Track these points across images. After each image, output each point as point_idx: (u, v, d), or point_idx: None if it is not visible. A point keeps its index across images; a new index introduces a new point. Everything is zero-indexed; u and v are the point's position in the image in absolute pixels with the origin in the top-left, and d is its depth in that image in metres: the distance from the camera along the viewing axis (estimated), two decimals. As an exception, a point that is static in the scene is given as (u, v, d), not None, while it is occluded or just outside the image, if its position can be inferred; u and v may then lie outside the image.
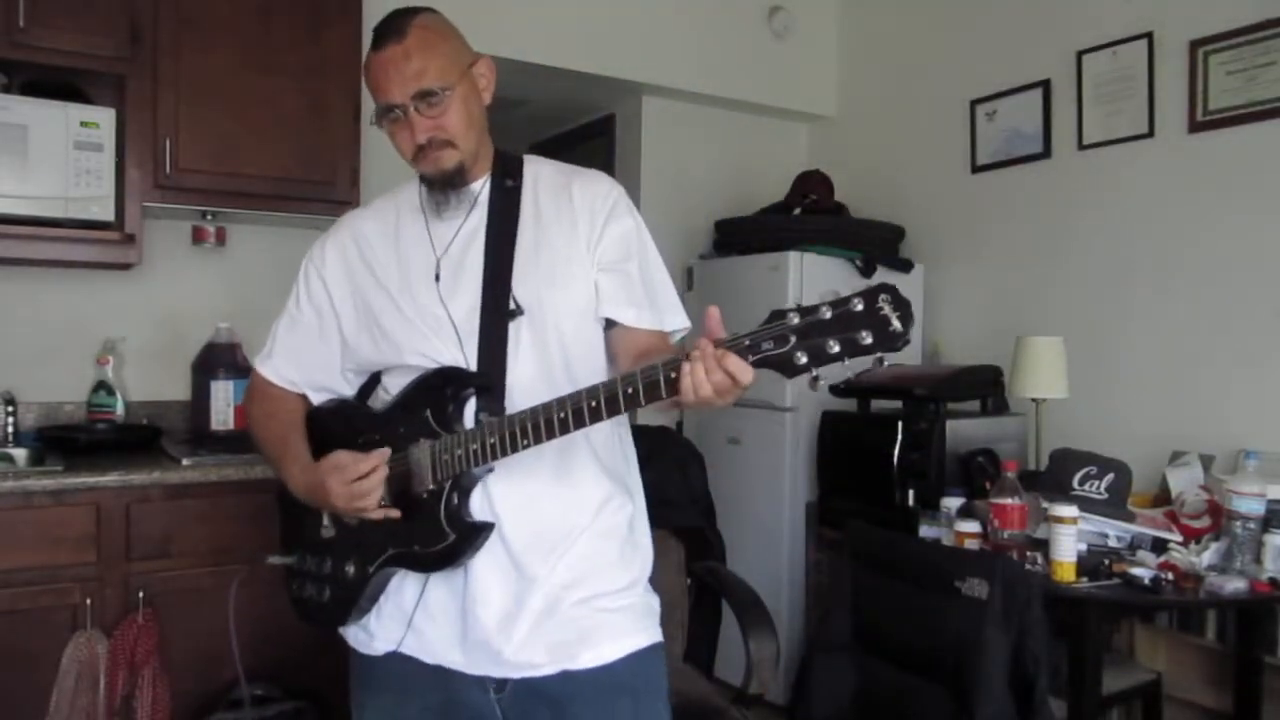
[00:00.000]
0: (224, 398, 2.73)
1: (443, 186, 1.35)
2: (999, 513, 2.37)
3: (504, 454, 1.21)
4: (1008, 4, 3.45)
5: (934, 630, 2.18)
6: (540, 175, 1.41)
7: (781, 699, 3.05)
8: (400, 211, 1.43)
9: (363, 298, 1.40)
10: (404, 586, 1.36)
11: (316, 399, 1.48)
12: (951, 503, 2.58)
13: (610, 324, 1.36)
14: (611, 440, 1.40)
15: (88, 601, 2.21)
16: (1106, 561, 2.25)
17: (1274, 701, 2.49)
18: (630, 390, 1.08)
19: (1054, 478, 2.51)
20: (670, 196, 3.85)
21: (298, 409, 1.47)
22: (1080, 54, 3.16)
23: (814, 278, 3.38)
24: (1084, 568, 2.22)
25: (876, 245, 3.59)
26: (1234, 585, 2.14)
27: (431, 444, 1.27)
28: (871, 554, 2.40)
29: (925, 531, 2.62)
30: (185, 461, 2.36)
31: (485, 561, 1.30)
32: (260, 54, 2.67)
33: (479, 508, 1.29)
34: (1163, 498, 2.68)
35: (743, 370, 1.02)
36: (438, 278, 1.34)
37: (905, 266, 3.62)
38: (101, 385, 2.73)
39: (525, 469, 1.29)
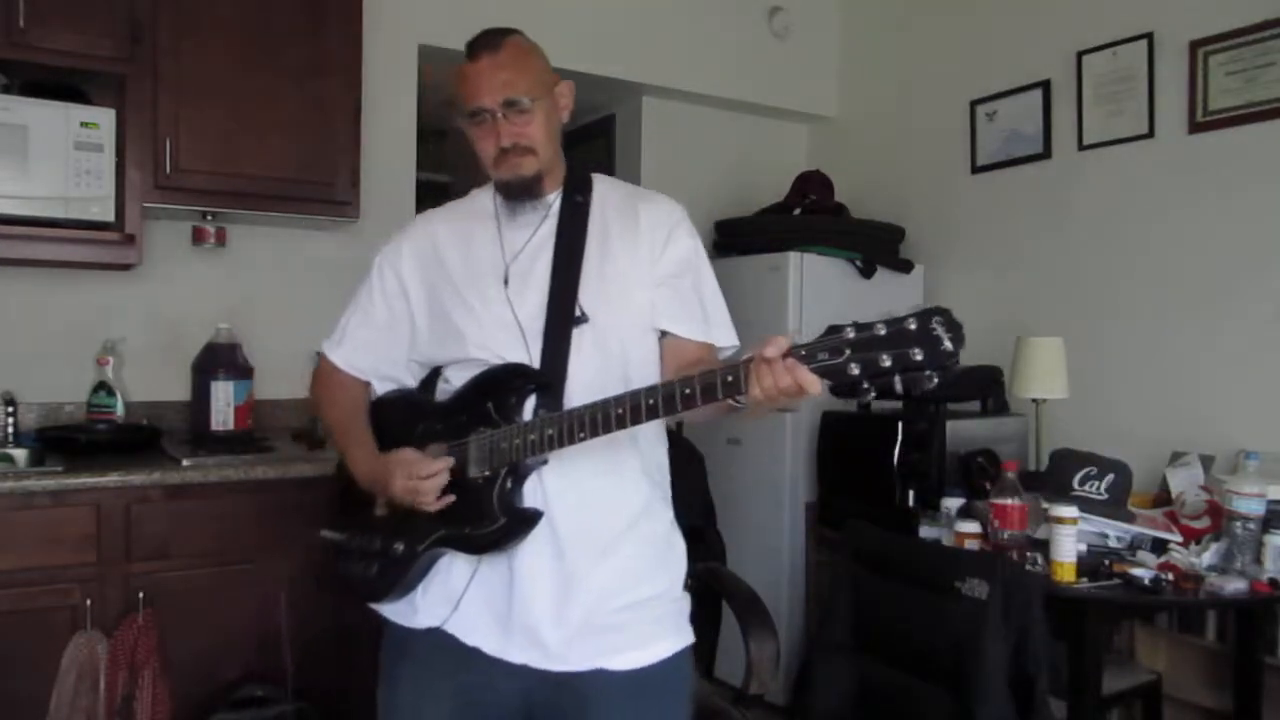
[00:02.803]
0: (224, 398, 2.73)
1: (520, 194, 1.43)
2: (999, 513, 2.37)
3: (561, 445, 1.27)
4: (1008, 4, 3.45)
5: (934, 630, 2.18)
6: (608, 194, 1.51)
7: (782, 699, 3.05)
8: (472, 216, 1.51)
9: (435, 294, 1.48)
10: (453, 567, 1.42)
11: (381, 388, 1.57)
12: (951, 503, 2.58)
13: (663, 335, 1.45)
14: (656, 451, 1.49)
15: (88, 602, 2.21)
16: (1107, 562, 2.25)
17: (1274, 702, 2.49)
18: (687, 391, 1.15)
19: (1054, 478, 2.51)
20: (670, 197, 3.84)
21: (362, 395, 1.57)
22: (1080, 54, 3.16)
23: (814, 278, 3.38)
24: (1084, 568, 2.22)
25: (876, 245, 3.59)
26: (1234, 586, 2.14)
27: (491, 433, 1.35)
28: (871, 554, 2.40)
29: (925, 532, 2.62)
30: (185, 462, 2.36)
31: (533, 551, 1.36)
32: (260, 54, 2.67)
33: (531, 497, 1.36)
34: (1163, 498, 2.68)
35: (811, 382, 1.07)
36: (506, 281, 1.43)
37: (905, 267, 3.62)
38: (101, 385, 2.73)
39: (576, 466, 1.36)
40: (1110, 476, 2.43)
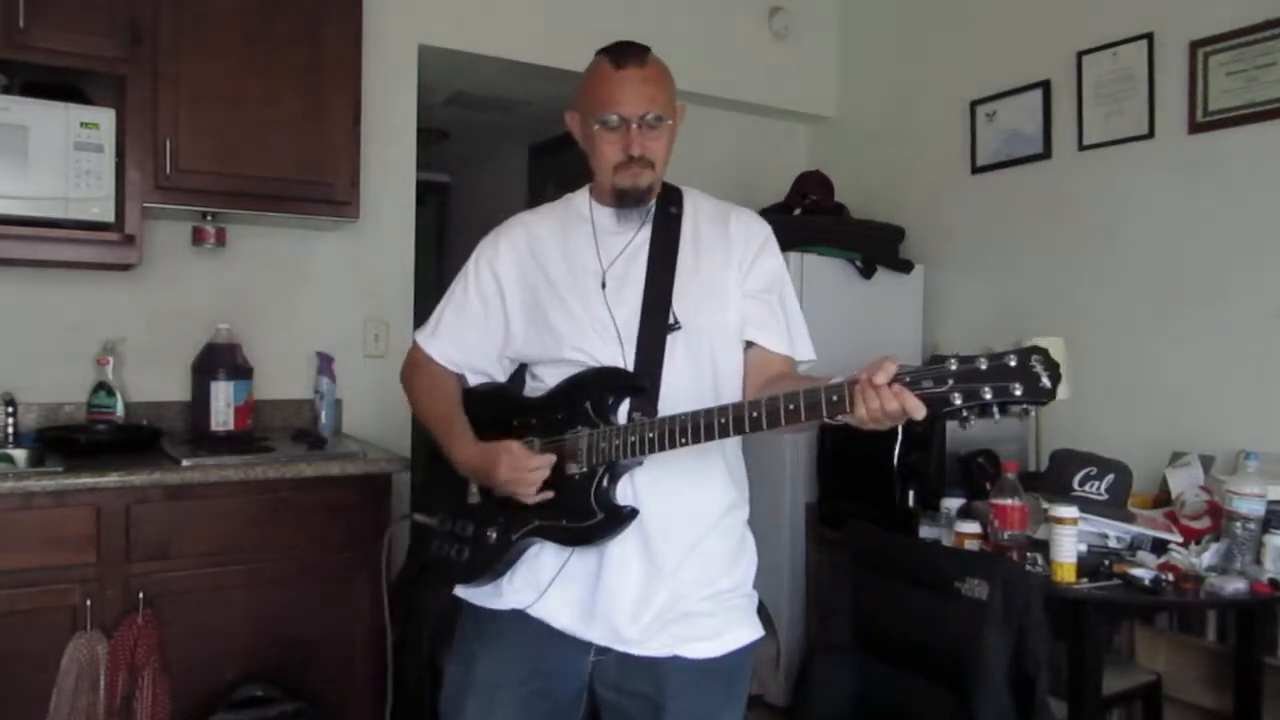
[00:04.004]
0: (224, 398, 2.73)
1: (631, 203, 1.50)
2: (999, 513, 2.37)
3: (660, 449, 1.33)
4: (1008, 4, 3.45)
5: (934, 631, 2.18)
6: (699, 207, 1.57)
7: (782, 700, 3.05)
8: (568, 219, 1.57)
9: (532, 292, 1.53)
10: (542, 555, 1.48)
11: (473, 380, 1.62)
12: (951, 503, 2.58)
13: (748, 346, 1.52)
14: (739, 454, 1.57)
15: (88, 602, 2.21)
16: (1107, 562, 2.25)
17: (1274, 702, 2.49)
18: (791, 407, 1.21)
19: (1054, 478, 2.51)
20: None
21: (456, 387, 1.61)
22: (1080, 54, 3.16)
23: (814, 278, 3.38)
24: (1084, 568, 2.22)
25: (876, 246, 3.59)
26: (1234, 586, 2.14)
27: (590, 432, 1.41)
28: (871, 554, 2.40)
29: (925, 532, 2.62)
30: (185, 462, 2.35)
31: (622, 544, 1.42)
32: (260, 55, 2.67)
33: (623, 494, 1.42)
34: (1163, 498, 2.68)
35: (916, 407, 1.14)
36: (604, 285, 1.48)
37: (905, 267, 3.62)
38: (101, 386, 2.73)
39: (667, 468, 1.43)
40: (1110, 477, 2.43)
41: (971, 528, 2.41)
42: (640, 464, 1.41)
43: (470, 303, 1.60)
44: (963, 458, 2.87)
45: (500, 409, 1.54)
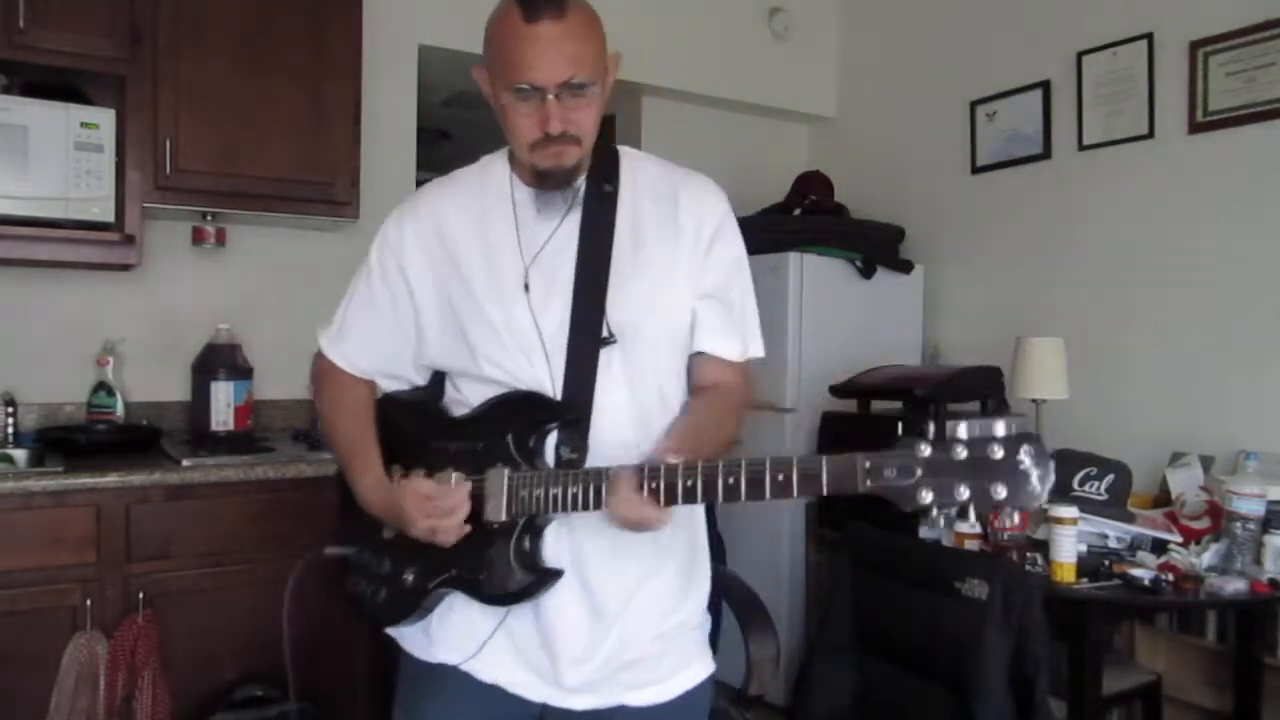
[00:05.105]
0: (224, 398, 2.73)
1: (554, 184, 1.24)
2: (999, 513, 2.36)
3: (585, 509, 1.14)
4: (1008, 4, 3.45)
5: (934, 631, 2.18)
6: (641, 179, 1.30)
7: (782, 700, 3.05)
8: (486, 198, 1.30)
9: (446, 294, 1.28)
10: (473, 605, 1.27)
11: (386, 385, 1.40)
12: (951, 503, 2.58)
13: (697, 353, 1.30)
14: None
15: (88, 602, 2.21)
16: (1106, 562, 2.25)
17: (1274, 702, 2.49)
18: (730, 481, 1.05)
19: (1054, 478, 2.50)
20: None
21: (367, 401, 1.38)
22: (1080, 54, 3.16)
23: (814, 278, 3.38)
24: (1084, 568, 2.22)
25: (876, 246, 3.59)
26: (1234, 586, 2.14)
27: (508, 475, 1.19)
28: (871, 555, 2.40)
29: (925, 532, 2.61)
30: (185, 462, 2.36)
31: (560, 594, 1.23)
32: (260, 55, 2.67)
33: (552, 547, 1.23)
34: (1163, 498, 2.68)
35: (655, 518, 1.08)
36: (527, 287, 1.23)
37: (905, 267, 3.62)
38: (101, 386, 2.73)
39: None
40: (1110, 477, 2.43)
41: (971, 528, 2.41)
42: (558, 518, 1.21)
43: (376, 300, 1.35)
44: (963, 458, 2.87)
45: (421, 425, 1.33)
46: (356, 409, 1.37)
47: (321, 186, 2.77)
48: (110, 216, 2.48)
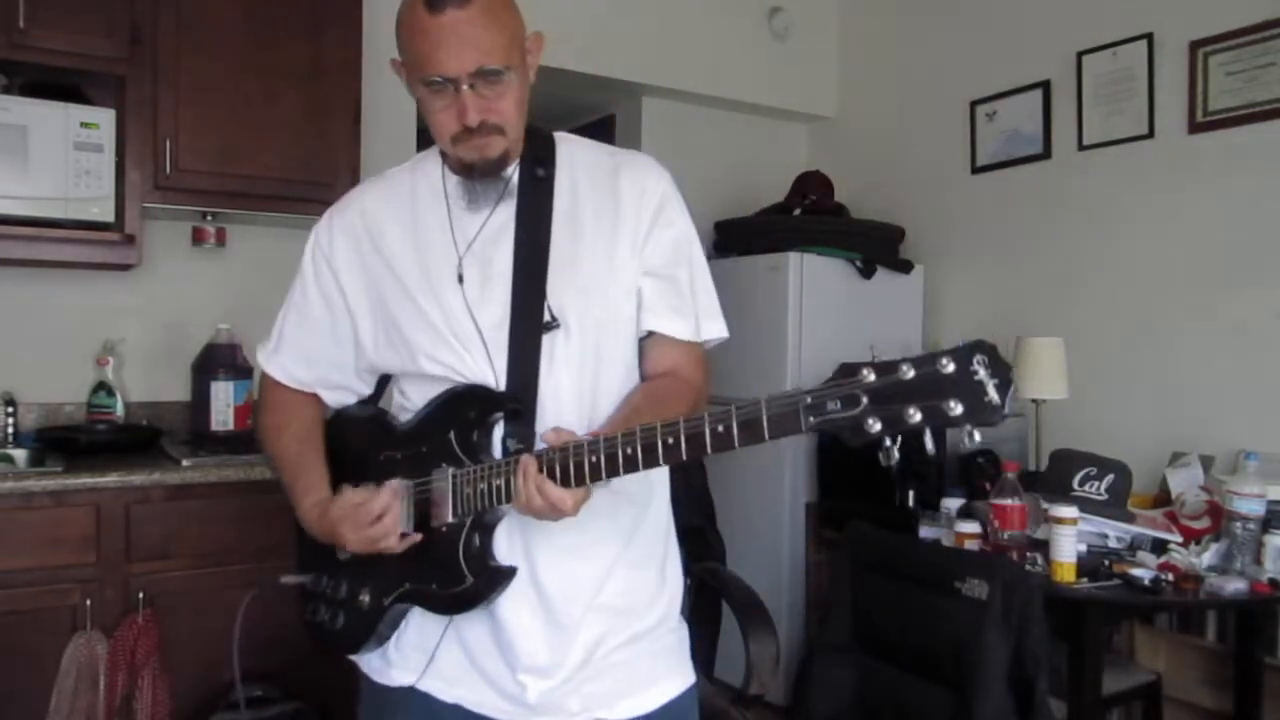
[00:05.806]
0: (224, 398, 2.73)
1: (481, 175, 1.20)
2: (999, 513, 2.37)
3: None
4: (1008, 4, 3.45)
5: (934, 631, 2.18)
6: (576, 160, 1.26)
7: (782, 700, 3.05)
8: (417, 193, 1.27)
9: (379, 296, 1.25)
10: (428, 617, 1.23)
11: (331, 397, 1.35)
12: (951, 503, 2.58)
13: (648, 334, 1.25)
14: None
15: (88, 602, 2.21)
16: (1106, 562, 2.25)
17: (1274, 702, 2.49)
18: (670, 441, 0.99)
19: (1054, 478, 2.51)
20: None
21: (312, 419, 1.33)
22: (1080, 54, 3.16)
23: (814, 278, 3.38)
24: (1084, 568, 2.22)
25: (876, 246, 3.59)
26: (1234, 586, 2.14)
27: (453, 473, 1.16)
28: (871, 555, 2.40)
29: (925, 532, 2.62)
30: (185, 462, 2.36)
31: (515, 599, 1.18)
32: (260, 55, 2.67)
33: (504, 546, 1.18)
34: (1163, 498, 2.68)
35: (562, 500, 1.03)
36: (461, 279, 1.20)
37: (905, 267, 3.62)
38: (101, 386, 2.73)
39: None
40: (1110, 477, 2.43)
41: (971, 528, 2.41)
42: (509, 512, 1.16)
43: (311, 308, 1.31)
44: (963, 458, 2.87)
45: (369, 439, 1.27)
46: (299, 428, 1.32)
47: (321, 186, 2.76)
48: (110, 216, 2.48)
